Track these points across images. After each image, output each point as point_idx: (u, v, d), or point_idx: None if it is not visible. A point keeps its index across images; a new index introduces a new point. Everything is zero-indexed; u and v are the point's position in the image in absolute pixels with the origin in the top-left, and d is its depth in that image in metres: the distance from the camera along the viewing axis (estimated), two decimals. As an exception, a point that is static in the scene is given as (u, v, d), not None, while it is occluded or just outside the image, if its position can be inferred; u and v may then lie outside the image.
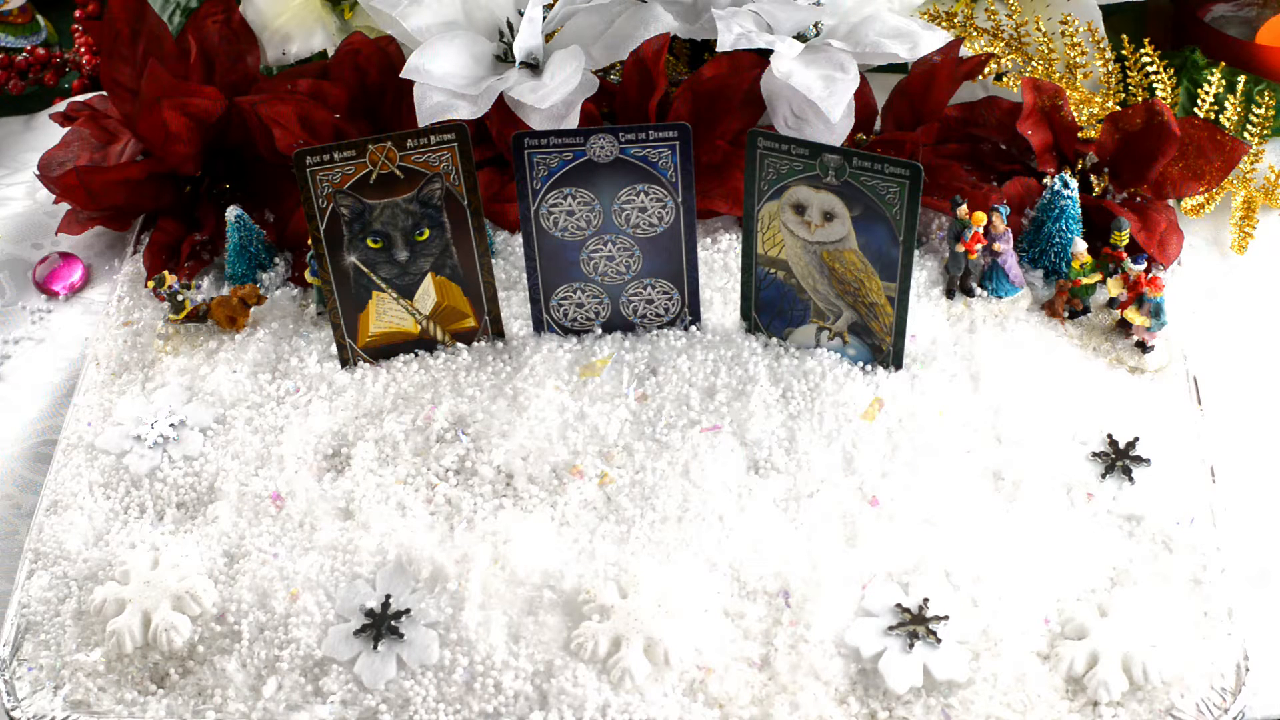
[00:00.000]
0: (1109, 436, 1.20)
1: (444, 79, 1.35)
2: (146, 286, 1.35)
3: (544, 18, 1.38)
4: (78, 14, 1.68)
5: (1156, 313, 1.24)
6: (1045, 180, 1.33)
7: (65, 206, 1.41)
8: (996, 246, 1.28)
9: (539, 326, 1.28)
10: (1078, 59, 1.46)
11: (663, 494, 1.17)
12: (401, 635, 1.09)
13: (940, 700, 1.07)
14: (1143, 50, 1.46)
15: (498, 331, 1.28)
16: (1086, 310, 1.30)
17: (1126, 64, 1.47)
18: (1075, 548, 1.14)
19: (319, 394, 1.25)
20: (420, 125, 1.34)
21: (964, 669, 1.07)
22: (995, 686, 1.07)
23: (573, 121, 1.35)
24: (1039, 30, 1.47)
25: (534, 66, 1.39)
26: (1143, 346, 1.26)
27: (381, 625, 1.10)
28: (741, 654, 1.09)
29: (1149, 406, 1.23)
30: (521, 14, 1.38)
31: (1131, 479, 1.17)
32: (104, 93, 1.46)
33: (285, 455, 1.21)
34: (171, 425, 1.23)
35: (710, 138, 1.39)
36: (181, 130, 1.36)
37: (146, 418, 1.24)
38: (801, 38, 1.39)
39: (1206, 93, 1.45)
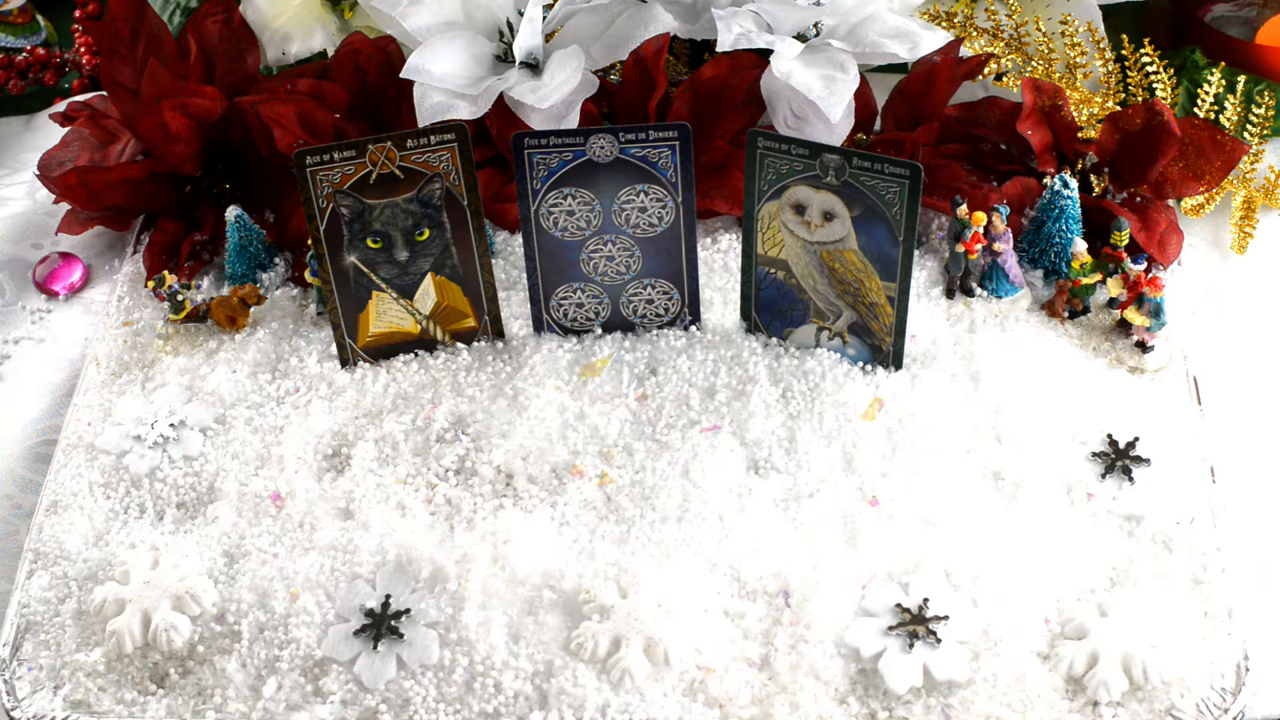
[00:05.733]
0: (1109, 436, 1.20)
1: (444, 79, 1.35)
2: (146, 286, 1.35)
3: (544, 18, 1.38)
4: (78, 14, 1.68)
5: (1156, 313, 1.24)
6: (1045, 180, 1.33)
7: (65, 206, 1.41)
8: (996, 246, 1.28)
9: (539, 326, 1.28)
10: (1078, 59, 1.46)
11: (663, 494, 1.17)
12: (401, 635, 1.09)
13: (940, 700, 1.07)
14: (1143, 50, 1.46)
15: (498, 331, 1.28)
16: (1086, 310, 1.30)
17: (1126, 64, 1.47)
18: (1075, 548, 1.14)
19: (319, 394, 1.25)
20: (420, 125, 1.34)
21: (964, 669, 1.07)
22: (995, 686, 1.07)
23: (573, 121, 1.35)
24: (1039, 30, 1.47)
25: (534, 66, 1.39)
26: (1143, 346, 1.26)
27: (381, 625, 1.10)
28: (741, 654, 1.09)
29: (1149, 406, 1.23)
30: (521, 14, 1.38)
31: (1131, 479, 1.17)
32: (104, 93, 1.46)
33: (285, 455, 1.21)
34: (171, 425, 1.23)
35: (710, 138, 1.39)
36: (182, 130, 1.36)
37: (146, 418, 1.24)
38: (801, 38, 1.39)
39: (1206, 93, 1.45)
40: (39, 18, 1.69)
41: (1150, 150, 1.34)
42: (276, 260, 1.36)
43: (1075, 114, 1.41)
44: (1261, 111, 1.45)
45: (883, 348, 1.23)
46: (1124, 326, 1.28)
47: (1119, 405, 1.22)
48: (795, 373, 1.24)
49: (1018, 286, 1.30)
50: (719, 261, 1.34)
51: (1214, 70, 1.46)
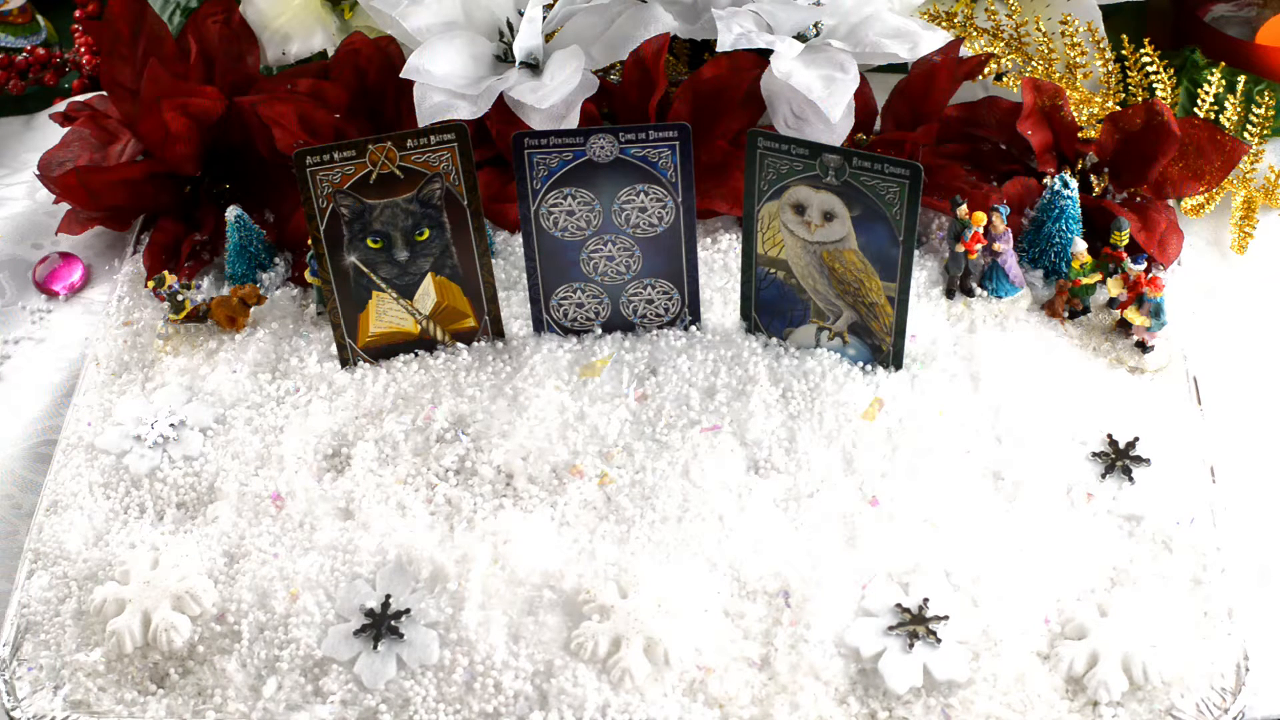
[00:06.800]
0: (1109, 436, 1.20)
1: (444, 79, 1.35)
2: (146, 286, 1.35)
3: (544, 18, 1.38)
4: (78, 14, 1.68)
5: (1156, 313, 1.24)
6: (1045, 180, 1.33)
7: (65, 206, 1.41)
8: (996, 246, 1.28)
9: (539, 326, 1.28)
10: (1078, 59, 1.46)
11: (663, 494, 1.17)
12: (401, 635, 1.09)
13: (940, 700, 1.07)
14: (1143, 50, 1.46)
15: (498, 331, 1.28)
16: (1086, 310, 1.30)
17: (1126, 64, 1.47)
18: (1075, 548, 1.14)
19: (319, 394, 1.25)
20: (420, 125, 1.34)
21: (964, 669, 1.07)
22: (995, 686, 1.07)
23: (573, 121, 1.35)
24: (1039, 30, 1.47)
25: (534, 66, 1.39)
26: (1143, 346, 1.26)
27: (381, 625, 1.10)
28: (741, 654, 1.09)
29: (1149, 406, 1.23)
30: (521, 14, 1.38)
31: (1131, 479, 1.17)
32: (104, 93, 1.46)
33: (285, 455, 1.21)
34: (171, 425, 1.23)
35: (710, 138, 1.39)
36: (182, 130, 1.36)
37: (146, 418, 1.24)
38: (801, 38, 1.39)
39: (1206, 93, 1.45)
40: (39, 18, 1.69)
41: (1150, 150, 1.34)
42: (276, 260, 1.36)
43: (1075, 114, 1.41)
44: (1261, 111, 1.45)
45: (883, 348, 1.23)
46: (1124, 326, 1.28)
47: (1119, 405, 1.22)
48: (795, 373, 1.24)
49: (1018, 286, 1.30)
50: (719, 261, 1.34)
51: (1214, 70, 1.46)
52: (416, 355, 1.27)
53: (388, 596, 1.11)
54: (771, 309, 1.26)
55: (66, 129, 1.45)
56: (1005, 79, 1.46)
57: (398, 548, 1.14)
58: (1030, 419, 1.21)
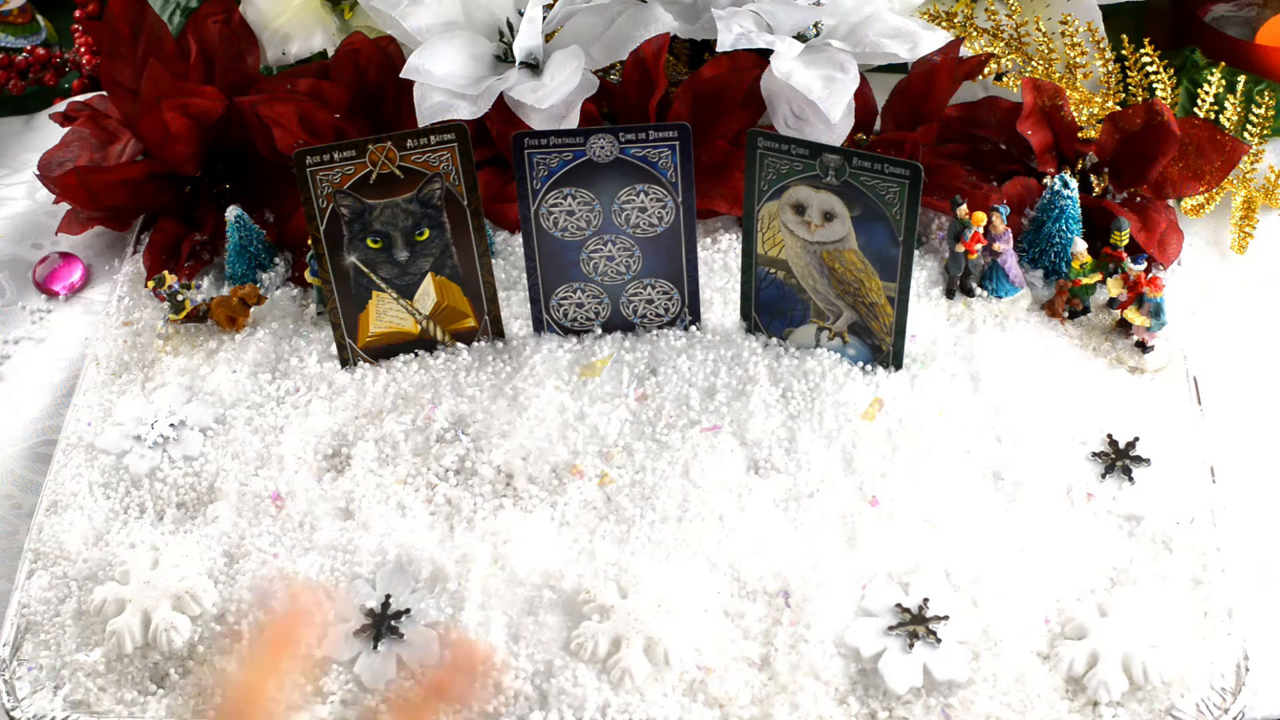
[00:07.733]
0: (1109, 436, 1.20)
1: (444, 79, 1.35)
2: (146, 286, 1.35)
3: (544, 18, 1.38)
4: (78, 14, 1.68)
5: (1156, 313, 1.24)
6: (1045, 180, 1.33)
7: (65, 206, 1.41)
8: (996, 246, 1.28)
9: (539, 326, 1.28)
10: (1078, 59, 1.46)
11: (663, 494, 1.17)
12: (401, 635, 1.09)
13: (940, 700, 1.07)
14: (1143, 50, 1.46)
15: (498, 331, 1.28)
16: (1086, 310, 1.30)
17: (1126, 64, 1.47)
18: (1075, 548, 1.14)
19: (319, 394, 1.25)
20: (420, 125, 1.34)
21: (964, 669, 1.07)
22: (995, 686, 1.07)
23: (573, 121, 1.35)
24: (1039, 30, 1.47)
25: (534, 66, 1.39)
26: (1143, 346, 1.26)
27: (381, 625, 1.10)
28: (741, 654, 1.09)
29: (1149, 406, 1.23)
30: (521, 14, 1.38)
31: (1131, 479, 1.17)
32: (104, 93, 1.46)
33: (285, 455, 1.21)
34: (171, 425, 1.23)
35: (710, 138, 1.39)
36: (182, 130, 1.36)
37: (146, 418, 1.24)
38: (801, 38, 1.39)
39: (1206, 93, 1.45)
40: (39, 18, 1.69)
41: (1150, 150, 1.34)
42: (276, 260, 1.36)
43: (1075, 114, 1.41)
44: (1261, 111, 1.45)
45: (883, 348, 1.23)
46: (1124, 326, 1.28)
47: (1119, 405, 1.22)
48: (795, 373, 1.24)
49: (1018, 286, 1.30)
50: (719, 261, 1.34)
51: (1214, 70, 1.46)
52: (416, 355, 1.27)
53: (388, 596, 1.11)
54: (771, 309, 1.26)
55: (66, 129, 1.45)
56: (1005, 79, 1.46)
57: (398, 548, 1.14)
58: (1030, 419, 1.21)
